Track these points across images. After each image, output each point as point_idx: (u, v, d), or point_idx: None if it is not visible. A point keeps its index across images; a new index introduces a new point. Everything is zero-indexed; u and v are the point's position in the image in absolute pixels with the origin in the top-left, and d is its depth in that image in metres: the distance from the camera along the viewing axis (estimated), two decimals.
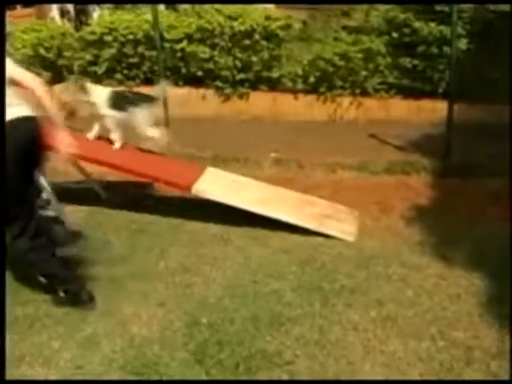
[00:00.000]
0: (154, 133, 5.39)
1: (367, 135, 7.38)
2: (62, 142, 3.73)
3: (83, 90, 5.22)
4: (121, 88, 5.49)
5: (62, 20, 13.02)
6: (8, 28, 9.53)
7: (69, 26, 10.38)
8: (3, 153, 3.55)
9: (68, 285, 3.92)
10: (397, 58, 8.01)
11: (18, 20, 13.39)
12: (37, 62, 8.93)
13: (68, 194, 5.23)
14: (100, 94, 5.29)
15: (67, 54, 8.91)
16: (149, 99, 5.30)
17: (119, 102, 5.24)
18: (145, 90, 6.44)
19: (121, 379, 3.23)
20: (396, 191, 5.70)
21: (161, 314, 3.78)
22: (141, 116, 5.25)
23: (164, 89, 5.76)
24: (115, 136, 5.43)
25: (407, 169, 6.20)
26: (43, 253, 3.84)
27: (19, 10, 22.38)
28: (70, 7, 13.48)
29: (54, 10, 14.06)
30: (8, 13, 21.98)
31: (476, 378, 3.13)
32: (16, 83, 3.68)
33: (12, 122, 3.59)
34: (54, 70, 8.92)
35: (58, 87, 5.72)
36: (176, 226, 5.11)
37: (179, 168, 5.66)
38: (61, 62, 8.94)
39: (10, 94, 3.63)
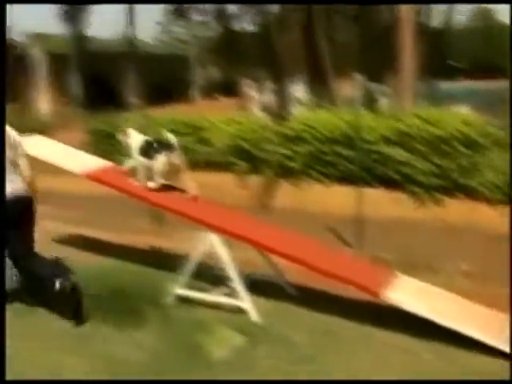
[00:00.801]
0: (160, 180, 5.74)
1: None
2: None
3: (126, 133, 5.95)
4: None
5: (262, 113, 13.92)
6: (210, 119, 10.34)
7: (268, 120, 11.01)
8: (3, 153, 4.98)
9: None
10: None
11: (221, 110, 14.46)
12: (235, 152, 9.51)
13: (257, 284, 5.49)
14: (136, 140, 5.88)
15: (265, 147, 9.40)
16: (169, 148, 5.67)
17: (148, 149, 5.74)
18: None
19: (121, 379, 3.17)
20: None
21: None
22: (157, 162, 5.68)
23: None
24: (141, 178, 5.82)
25: None
26: None
27: (222, 101, 24.15)
28: (271, 101, 14.40)
29: (255, 102, 15.08)
30: (210, 103, 23.76)
31: None
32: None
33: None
34: (251, 161, 9.44)
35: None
36: (364, 333, 5.02)
37: (367, 269, 5.66)
38: (258, 154, 9.43)
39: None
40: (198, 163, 10.02)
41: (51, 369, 4.33)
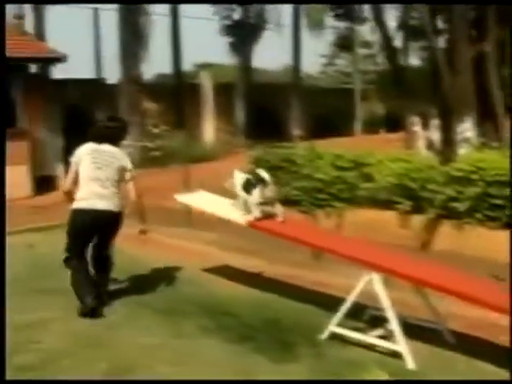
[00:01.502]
0: (257, 212, 6.36)
1: None
2: None
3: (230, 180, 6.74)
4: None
5: (427, 151, 13.72)
6: (375, 155, 10.32)
7: (434, 159, 10.83)
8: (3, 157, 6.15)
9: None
10: None
11: (384, 145, 14.38)
12: (399, 190, 9.43)
13: (413, 328, 5.44)
14: (238, 177, 6.65)
15: (430, 186, 9.24)
16: (262, 182, 6.39)
17: (248, 186, 6.48)
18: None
19: (120, 379, 3.16)
20: None
21: None
22: (252, 196, 6.39)
23: None
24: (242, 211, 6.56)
25: None
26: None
27: (385, 136, 23.99)
28: (437, 139, 14.12)
29: (421, 139, 14.89)
30: (373, 137, 23.55)
31: None
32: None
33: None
34: (415, 200, 9.32)
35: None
36: None
37: None
38: (423, 194, 9.29)
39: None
40: (359, 200, 10.12)
41: None
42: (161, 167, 18.61)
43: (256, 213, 6.43)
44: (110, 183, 6.47)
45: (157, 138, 20.90)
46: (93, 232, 6.58)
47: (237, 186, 6.68)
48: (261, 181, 6.47)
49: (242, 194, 6.61)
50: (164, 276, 7.82)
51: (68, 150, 16.11)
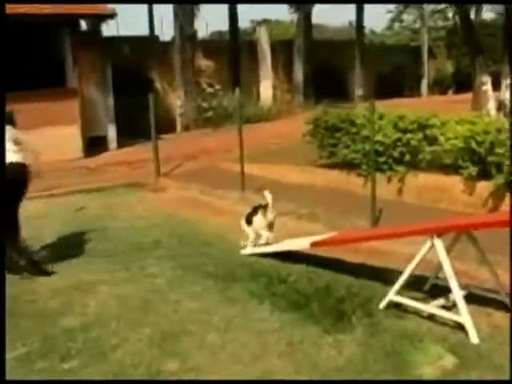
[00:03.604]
0: (265, 234, 7.32)
1: None
2: None
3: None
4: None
5: (497, 114, 13.32)
6: (440, 117, 10.05)
7: (504, 122, 10.49)
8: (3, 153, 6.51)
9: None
10: None
11: (452, 106, 14.08)
12: (465, 154, 9.20)
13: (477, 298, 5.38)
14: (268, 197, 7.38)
15: (499, 150, 8.98)
16: (263, 209, 7.30)
17: (250, 217, 7.40)
18: None
19: (120, 379, 3.39)
20: None
21: None
22: (256, 221, 7.34)
23: None
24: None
25: None
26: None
27: (454, 97, 23.52)
28: (508, 100, 13.71)
29: (491, 102, 14.46)
30: (441, 98, 23.15)
31: None
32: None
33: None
34: (481, 165, 9.08)
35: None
36: None
37: None
38: (490, 158, 9.05)
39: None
40: (422, 164, 9.92)
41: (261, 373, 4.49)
42: (216, 128, 18.75)
43: (264, 237, 7.31)
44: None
45: (212, 98, 20.95)
46: None
47: (242, 223, 7.52)
48: (260, 206, 7.39)
49: (246, 228, 7.46)
50: (214, 241, 7.90)
51: (120, 110, 16.45)
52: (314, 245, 6.64)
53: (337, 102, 12.42)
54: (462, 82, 24.09)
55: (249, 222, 7.43)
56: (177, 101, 20.79)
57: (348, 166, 10.78)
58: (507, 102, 13.63)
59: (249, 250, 7.36)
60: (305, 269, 6.61)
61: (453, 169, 9.39)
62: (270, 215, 7.31)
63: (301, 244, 6.91)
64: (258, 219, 7.34)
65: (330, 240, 6.79)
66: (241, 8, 22.48)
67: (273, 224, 7.40)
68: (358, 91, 24.84)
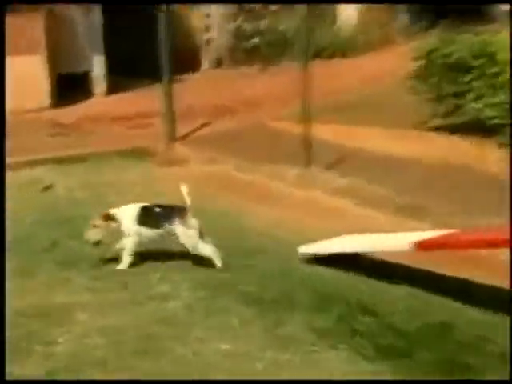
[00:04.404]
0: (207, 249, 6.50)
1: None
2: None
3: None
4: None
5: None
6: None
7: None
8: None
9: None
10: None
11: None
12: None
13: None
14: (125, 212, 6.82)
15: None
16: (182, 211, 6.61)
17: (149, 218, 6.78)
18: None
19: (119, 379, 4.02)
20: None
21: None
22: (183, 231, 6.61)
23: None
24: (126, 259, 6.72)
25: None
26: None
27: None
28: None
29: None
30: None
31: None
32: None
33: None
34: None
35: None
36: None
37: None
38: None
39: None
40: None
41: None
42: (265, 65, 17.68)
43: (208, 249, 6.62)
44: None
45: (259, 17, 19.31)
46: None
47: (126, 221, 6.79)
48: (179, 210, 6.77)
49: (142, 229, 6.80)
50: (260, 244, 7.51)
51: (112, 33, 15.60)
52: (420, 247, 6.27)
53: (466, 22, 11.62)
54: None
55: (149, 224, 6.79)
56: (203, 20, 19.13)
57: (482, 129, 10.12)
58: None
59: (308, 248, 7.02)
60: (403, 290, 6.32)
61: None
62: (193, 221, 6.65)
63: (398, 243, 6.61)
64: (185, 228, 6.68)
65: (443, 240, 6.46)
66: None
67: (202, 234, 6.74)
68: (495, 9, 23.31)
